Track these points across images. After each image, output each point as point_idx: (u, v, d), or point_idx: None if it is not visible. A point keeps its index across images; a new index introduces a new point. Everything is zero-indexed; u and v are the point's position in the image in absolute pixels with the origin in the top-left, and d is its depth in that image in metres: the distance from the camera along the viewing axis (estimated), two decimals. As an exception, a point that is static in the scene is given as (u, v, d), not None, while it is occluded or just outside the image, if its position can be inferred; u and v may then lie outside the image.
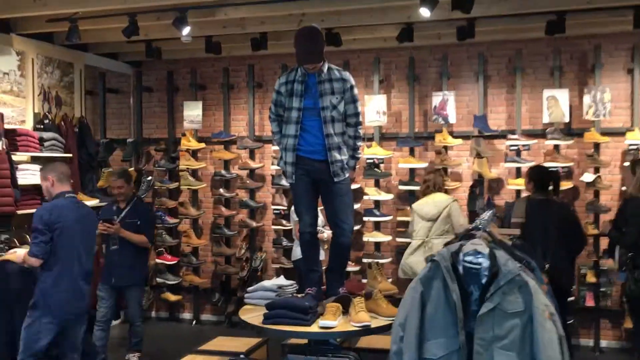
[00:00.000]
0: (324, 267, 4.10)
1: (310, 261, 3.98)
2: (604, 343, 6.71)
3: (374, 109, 7.07)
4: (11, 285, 4.63)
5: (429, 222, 5.67)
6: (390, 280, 6.67)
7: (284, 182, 6.79)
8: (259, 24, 6.33)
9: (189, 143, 7.71)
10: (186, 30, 5.70)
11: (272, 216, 7.50)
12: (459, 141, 6.95)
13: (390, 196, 7.11)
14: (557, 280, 4.13)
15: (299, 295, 3.82)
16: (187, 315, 8.08)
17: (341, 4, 5.69)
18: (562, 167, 6.52)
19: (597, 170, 6.63)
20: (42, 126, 6.39)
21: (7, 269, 4.62)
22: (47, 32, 6.52)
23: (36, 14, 5.77)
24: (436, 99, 6.98)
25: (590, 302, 6.58)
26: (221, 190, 7.70)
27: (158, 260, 7.66)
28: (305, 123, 3.77)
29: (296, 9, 5.82)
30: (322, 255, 5.67)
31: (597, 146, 6.63)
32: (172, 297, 7.84)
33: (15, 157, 5.87)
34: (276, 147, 4.29)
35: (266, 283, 4.05)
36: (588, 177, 6.55)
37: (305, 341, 3.85)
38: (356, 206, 6.90)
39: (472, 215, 6.57)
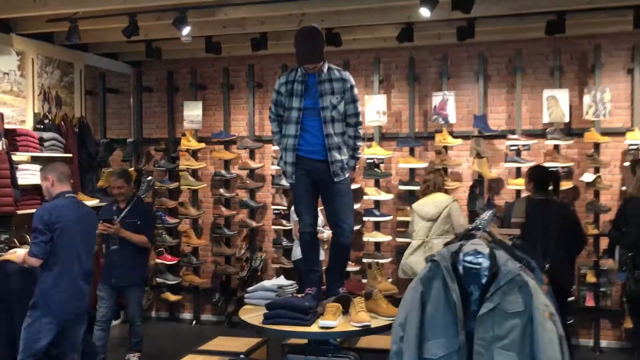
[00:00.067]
0: (324, 267, 4.10)
1: (310, 261, 3.98)
2: (604, 343, 6.71)
3: (374, 109, 7.07)
4: (11, 285, 4.62)
5: (429, 222, 5.67)
6: (390, 280, 6.67)
7: (284, 182, 6.79)
8: (259, 24, 6.33)
9: (189, 143, 7.71)
10: (186, 30, 5.70)
11: (272, 216, 7.49)
12: (459, 141, 6.95)
13: (390, 196, 7.11)
14: (557, 280, 4.14)
15: (299, 295, 3.82)
16: (187, 315, 8.08)
17: (341, 4, 5.69)
18: (562, 167, 6.51)
19: (597, 170, 6.62)
20: (42, 126, 6.39)
21: (7, 269, 4.61)
22: (47, 32, 6.51)
23: (36, 13, 5.77)
24: (436, 99, 6.98)
25: (590, 302, 6.57)
26: (221, 190, 7.70)
27: (158, 260, 7.66)
28: (305, 123, 3.77)
29: (296, 9, 5.81)
30: (322, 255, 5.68)
31: (597, 146, 6.63)
32: (172, 297, 7.84)
33: (15, 157, 5.87)
34: (276, 147, 4.29)
35: (266, 283, 4.05)
36: (588, 177, 6.55)
37: (305, 341, 3.84)
38: (356, 206, 6.90)
39: (472, 215, 6.56)
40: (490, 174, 6.89)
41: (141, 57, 7.54)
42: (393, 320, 3.07)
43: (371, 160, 7.02)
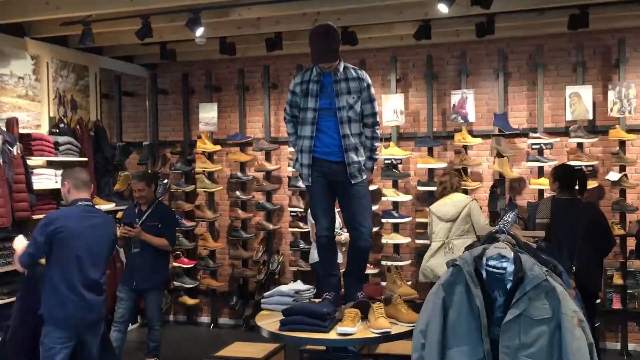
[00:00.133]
0: (342, 270, 4.01)
1: (328, 265, 3.90)
2: (631, 346, 6.54)
3: (392, 108, 6.98)
4: (39, 290, 4.53)
5: (449, 222, 5.58)
6: (409, 283, 6.54)
7: (301, 184, 6.71)
8: (273, 24, 6.27)
9: (205, 145, 7.68)
10: (200, 31, 5.65)
11: (289, 218, 7.43)
12: (479, 140, 6.83)
13: (408, 197, 7.01)
14: (584, 283, 4.02)
15: (317, 301, 3.75)
16: (204, 318, 8.04)
17: (356, 1, 5.60)
18: (586, 166, 6.37)
19: (622, 168, 6.46)
20: (57, 130, 6.38)
21: (36, 273, 4.51)
22: (61, 35, 6.51)
23: (49, 17, 5.76)
24: (455, 97, 6.87)
25: (617, 305, 6.42)
26: (237, 192, 7.65)
27: (175, 264, 7.62)
28: (321, 124, 3.69)
29: (311, 7, 5.74)
30: (340, 258, 5.60)
31: (622, 144, 6.46)
32: (190, 301, 7.81)
33: (31, 161, 5.86)
34: (292, 149, 4.22)
35: (283, 288, 3.97)
36: (613, 175, 6.39)
37: (323, 347, 3.75)
38: (374, 208, 6.78)
39: (493, 216, 6.45)
40: (512, 174, 6.76)
41: (156, 59, 7.51)
42: (413, 326, 2.97)
43: (389, 161, 6.94)
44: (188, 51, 7.37)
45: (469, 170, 6.91)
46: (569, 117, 6.56)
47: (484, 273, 2.75)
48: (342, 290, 3.86)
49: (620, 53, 6.47)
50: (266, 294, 3.96)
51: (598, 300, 6.06)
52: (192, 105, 8.07)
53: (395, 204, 7.06)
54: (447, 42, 7.02)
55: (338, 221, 5.00)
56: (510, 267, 2.71)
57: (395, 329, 3.38)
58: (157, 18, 5.79)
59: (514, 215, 3.17)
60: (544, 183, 6.41)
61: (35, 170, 5.89)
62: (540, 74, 6.73)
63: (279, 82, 7.76)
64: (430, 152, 7.05)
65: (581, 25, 5.70)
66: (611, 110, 6.40)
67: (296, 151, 3.82)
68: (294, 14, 5.98)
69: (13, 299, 4.67)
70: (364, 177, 3.75)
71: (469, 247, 3.00)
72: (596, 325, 5.86)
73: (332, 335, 3.34)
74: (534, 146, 6.62)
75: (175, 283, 7.73)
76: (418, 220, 6.99)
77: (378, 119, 3.81)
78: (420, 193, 7.08)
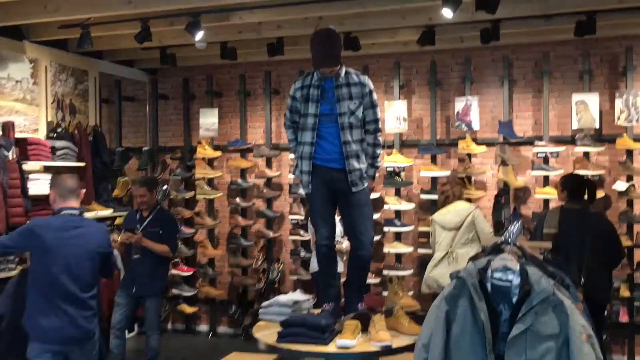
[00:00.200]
0: (342, 279, 3.91)
1: (328, 276, 3.81)
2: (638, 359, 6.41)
3: (394, 115, 6.90)
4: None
5: (452, 231, 5.48)
6: (411, 293, 6.47)
7: (302, 191, 6.60)
8: (275, 29, 6.20)
9: (205, 151, 7.60)
10: (199, 35, 5.58)
11: (290, 226, 7.34)
12: (483, 148, 6.74)
13: (411, 205, 6.91)
14: (593, 296, 3.91)
15: (316, 312, 3.66)
16: (203, 327, 7.94)
17: (359, 6, 5.51)
18: (593, 175, 6.28)
19: (630, 178, 6.35)
20: (55, 135, 6.30)
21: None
22: (60, 39, 6.44)
23: (47, 20, 5.70)
24: (459, 104, 6.78)
25: (624, 318, 6.31)
26: (237, 199, 7.57)
27: (174, 271, 7.52)
28: (322, 130, 3.61)
29: (313, 12, 5.66)
30: (341, 267, 5.50)
31: (629, 153, 6.36)
32: (188, 309, 7.71)
33: (27, 166, 5.80)
34: (293, 155, 4.13)
35: (281, 298, 3.87)
36: (620, 185, 6.29)
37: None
38: (376, 216, 6.70)
39: (498, 225, 6.34)
40: (517, 183, 6.66)
41: (156, 64, 7.44)
42: (415, 339, 2.88)
43: (391, 169, 6.85)
44: (189, 56, 7.31)
45: (472, 178, 6.81)
46: (575, 126, 6.47)
47: (488, 286, 2.66)
48: (342, 300, 3.77)
49: (627, 61, 6.39)
50: (264, 304, 3.86)
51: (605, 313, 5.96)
52: (192, 111, 8.00)
53: (398, 213, 6.97)
54: (451, 48, 6.95)
55: (339, 229, 4.90)
56: (516, 280, 2.62)
57: (397, 342, 3.28)
58: (156, 22, 5.72)
59: (520, 225, 3.07)
60: (549, 192, 6.31)
61: (31, 175, 5.81)
62: (546, 81, 6.65)
63: (281, 87, 7.69)
64: (434, 159, 6.96)
65: (588, 31, 5.61)
66: (618, 118, 6.31)
67: (296, 158, 3.74)
68: (295, 19, 5.90)
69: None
70: (365, 184, 3.67)
71: (473, 259, 2.90)
72: (603, 339, 5.75)
73: (331, 347, 3.25)
74: (539, 154, 6.54)
75: (174, 291, 7.63)
76: (421, 229, 6.89)
77: (380, 126, 3.72)
78: (423, 201, 6.98)
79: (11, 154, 5.48)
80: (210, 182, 7.71)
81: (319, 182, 3.65)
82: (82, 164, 6.49)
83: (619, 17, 5.82)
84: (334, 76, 3.55)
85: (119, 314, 5.48)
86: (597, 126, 6.43)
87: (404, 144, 7.14)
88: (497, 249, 2.81)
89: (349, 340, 3.21)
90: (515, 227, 3.00)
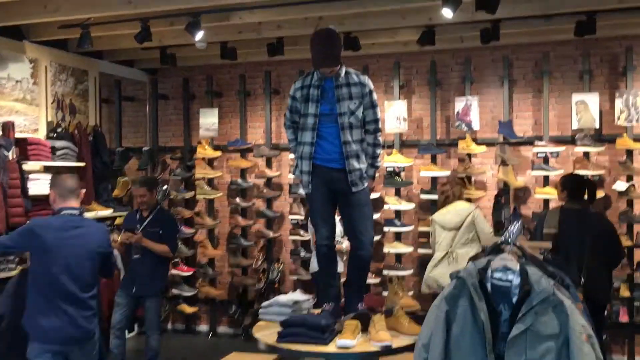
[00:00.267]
0: (342, 279, 3.91)
1: (327, 276, 3.81)
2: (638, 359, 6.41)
3: (394, 115, 6.89)
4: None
5: (452, 231, 5.48)
6: (412, 293, 6.46)
7: (302, 191, 6.61)
8: (275, 29, 6.19)
9: (205, 151, 7.60)
10: (199, 35, 5.58)
11: (290, 226, 7.34)
12: (483, 148, 6.73)
13: (411, 205, 6.90)
14: (593, 296, 3.90)
15: (316, 312, 3.66)
16: (203, 327, 7.93)
17: (359, 6, 5.51)
18: (593, 175, 6.28)
19: (630, 178, 6.35)
20: (54, 134, 6.29)
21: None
22: (60, 39, 6.44)
23: (47, 20, 5.69)
24: (459, 104, 6.78)
25: (624, 318, 6.30)
26: (237, 199, 7.56)
27: (174, 271, 7.51)
28: (322, 130, 3.60)
29: (313, 12, 5.66)
30: (341, 267, 5.50)
31: (629, 153, 6.36)
32: (188, 309, 7.70)
33: (27, 166, 5.79)
34: (293, 155, 4.13)
35: (281, 298, 3.87)
36: (620, 185, 6.29)
37: (322, 360, 3.65)
38: (376, 216, 6.70)
39: (498, 225, 6.34)
40: (517, 183, 6.65)
41: (156, 64, 7.43)
42: (415, 339, 2.88)
43: (391, 169, 6.85)
44: (189, 56, 7.31)
45: (472, 178, 6.81)
46: (575, 126, 6.47)
47: (488, 286, 2.66)
48: (342, 300, 3.77)
49: (627, 61, 6.39)
50: (264, 304, 3.86)
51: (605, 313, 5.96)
52: (192, 111, 7.99)
53: (398, 213, 6.96)
54: (451, 48, 6.94)
55: (339, 229, 4.89)
56: (516, 280, 2.62)
57: (397, 342, 3.27)
58: (156, 22, 5.72)
59: (520, 225, 3.07)
60: (549, 192, 6.31)
61: (31, 175, 5.81)
62: (546, 81, 6.64)
63: (281, 87, 7.68)
64: (434, 159, 6.96)
65: (588, 31, 5.61)
66: (618, 118, 6.31)
67: (296, 158, 3.74)
68: (295, 19, 5.90)
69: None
70: (366, 185, 3.66)
71: (473, 258, 2.91)
72: (603, 339, 5.75)
73: (331, 347, 3.25)
74: (539, 155, 6.54)
75: (174, 291, 7.63)
76: (421, 229, 6.88)
77: (380, 126, 3.72)
78: (423, 201, 6.97)
79: (11, 154, 5.48)
80: (210, 182, 7.71)
81: (319, 182, 3.65)
82: (82, 164, 6.49)
83: (619, 17, 5.82)
84: (334, 76, 3.54)
85: (119, 314, 5.48)
86: (597, 126, 6.43)
87: (404, 144, 7.14)
88: (497, 249, 2.81)
89: (349, 340, 3.21)
90: (515, 227, 3.01)
